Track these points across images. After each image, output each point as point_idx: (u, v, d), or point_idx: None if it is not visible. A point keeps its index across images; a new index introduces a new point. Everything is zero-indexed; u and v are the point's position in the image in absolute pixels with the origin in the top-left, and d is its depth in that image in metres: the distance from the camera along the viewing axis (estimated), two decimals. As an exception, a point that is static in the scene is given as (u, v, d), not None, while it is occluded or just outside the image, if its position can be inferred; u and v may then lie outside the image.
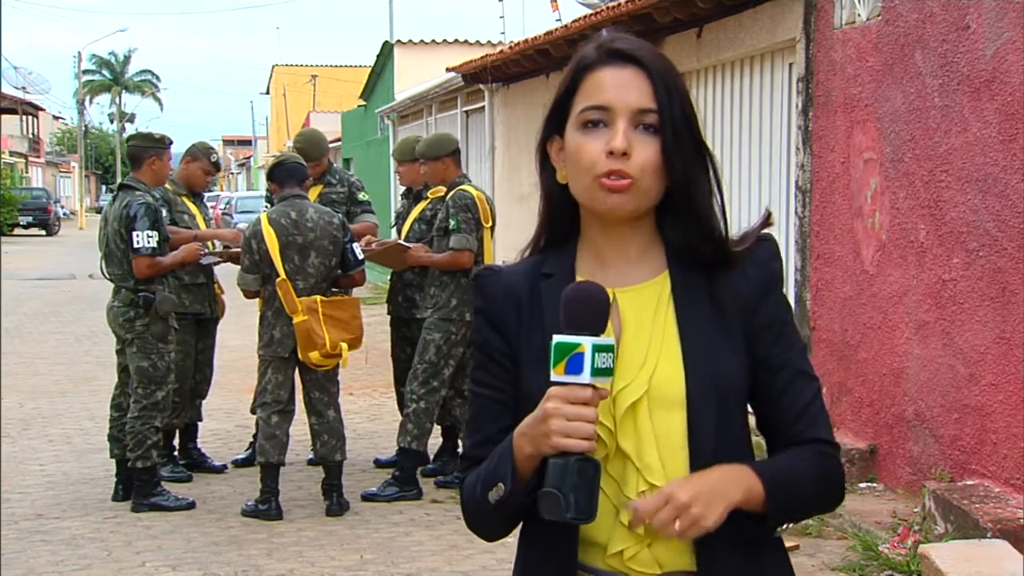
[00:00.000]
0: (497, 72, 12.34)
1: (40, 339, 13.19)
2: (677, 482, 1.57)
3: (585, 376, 1.51)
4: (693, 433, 1.63)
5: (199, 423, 7.14)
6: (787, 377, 1.70)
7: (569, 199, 1.71)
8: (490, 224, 6.42)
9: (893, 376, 6.06)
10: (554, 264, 1.73)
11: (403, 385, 6.69)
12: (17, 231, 39.82)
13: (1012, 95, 5.13)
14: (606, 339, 1.54)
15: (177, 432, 6.89)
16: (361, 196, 7.28)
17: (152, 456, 6.12)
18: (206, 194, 7.34)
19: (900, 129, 5.95)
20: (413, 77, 18.56)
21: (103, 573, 5.22)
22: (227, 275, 6.91)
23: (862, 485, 6.12)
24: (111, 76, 74.14)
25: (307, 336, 5.87)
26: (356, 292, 6.76)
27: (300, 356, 5.94)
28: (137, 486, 6.14)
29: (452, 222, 6.26)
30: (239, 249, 6.26)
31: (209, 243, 6.82)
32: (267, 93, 56.63)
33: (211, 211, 8.00)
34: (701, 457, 1.63)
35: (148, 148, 6.36)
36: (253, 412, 6.69)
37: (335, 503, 6.08)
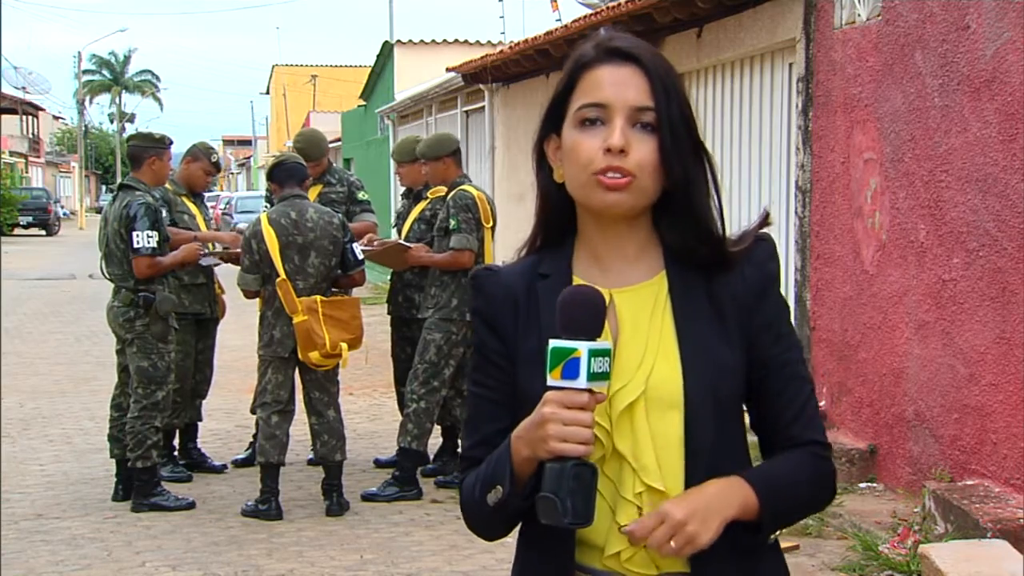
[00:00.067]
0: (497, 72, 12.34)
1: (40, 339, 13.19)
2: (672, 501, 1.58)
3: (581, 381, 1.51)
4: (690, 434, 1.63)
5: (199, 423, 7.14)
6: (785, 378, 1.70)
7: (566, 199, 1.70)
8: (491, 224, 6.42)
9: (893, 376, 6.06)
10: (551, 264, 1.72)
11: (403, 385, 6.70)
12: (17, 231, 39.83)
13: (1012, 95, 5.13)
14: (602, 343, 1.54)
15: (177, 432, 6.89)
16: (360, 195, 7.28)
17: (152, 456, 6.12)
18: (206, 194, 7.34)
19: (900, 129, 5.95)
20: (413, 77, 18.56)
21: (103, 573, 5.22)
22: (227, 275, 6.91)
23: (862, 485, 6.12)
24: (111, 76, 74.14)
25: (307, 336, 5.87)
26: (356, 292, 6.76)
27: (300, 356, 5.94)
28: (137, 486, 6.14)
29: (453, 222, 6.26)
30: (239, 250, 6.27)
31: (209, 244, 6.82)
32: (267, 93, 56.65)
33: (211, 211, 8.00)
34: (698, 458, 1.63)
35: (148, 148, 6.37)
36: (253, 412, 6.69)
37: (335, 503, 6.08)
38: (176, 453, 6.89)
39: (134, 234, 5.98)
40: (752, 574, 1.68)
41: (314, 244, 5.97)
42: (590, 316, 1.55)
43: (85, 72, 65.45)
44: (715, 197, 1.69)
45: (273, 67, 52.67)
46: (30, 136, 56.44)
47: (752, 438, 1.74)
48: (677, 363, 1.64)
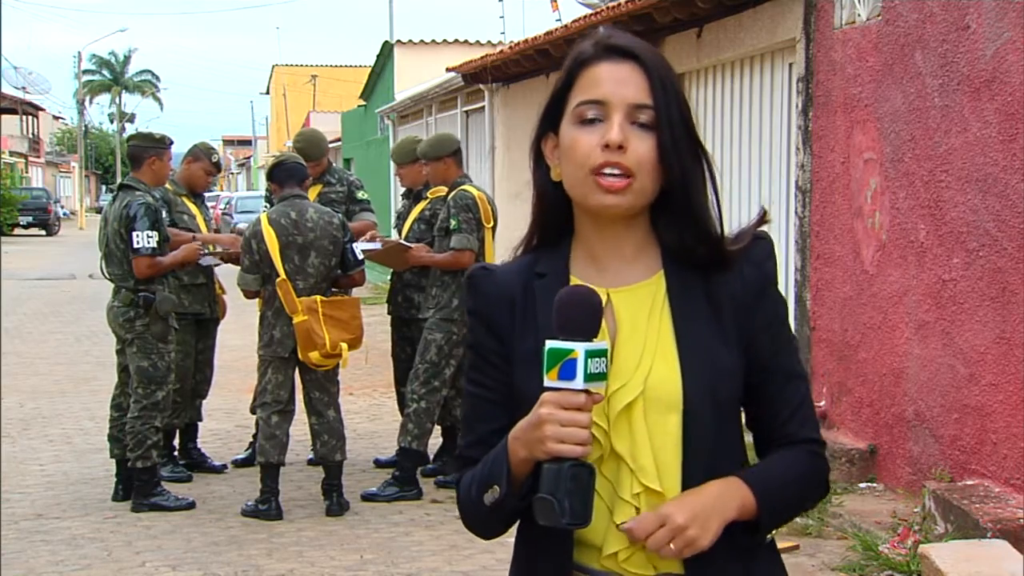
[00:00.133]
0: (497, 72, 12.34)
1: (40, 339, 13.19)
2: (672, 503, 1.58)
3: (578, 382, 1.51)
4: (689, 435, 1.62)
5: (199, 423, 7.14)
6: (783, 378, 1.70)
7: (563, 197, 1.69)
8: (491, 224, 6.42)
9: (893, 376, 6.06)
10: (548, 263, 1.71)
11: (403, 385, 6.70)
12: (17, 231, 39.82)
13: (1012, 95, 5.13)
14: (599, 344, 1.53)
15: (177, 432, 6.89)
16: (360, 195, 7.29)
17: (152, 456, 6.12)
18: (206, 194, 7.34)
19: (900, 129, 5.95)
20: (413, 77, 18.56)
21: (103, 573, 5.22)
22: (227, 275, 6.91)
23: (862, 485, 6.12)
24: (111, 76, 74.14)
25: (307, 336, 5.87)
26: (356, 292, 6.76)
27: (300, 356, 5.94)
28: (137, 486, 6.14)
29: (453, 222, 6.26)
30: (238, 250, 6.27)
31: (209, 245, 6.82)
32: (267, 93, 56.66)
33: (211, 211, 8.00)
34: (696, 459, 1.63)
35: (148, 148, 6.37)
36: (253, 412, 6.69)
37: (335, 503, 6.08)
38: (176, 453, 6.89)
39: (134, 234, 5.98)
40: (749, 573, 1.68)
41: (314, 244, 5.97)
42: (587, 317, 1.54)
43: (85, 72, 65.46)
44: (713, 197, 1.68)
45: (273, 67, 52.67)
46: (30, 136, 56.45)
47: (748, 437, 1.74)
48: (676, 364, 1.63)
